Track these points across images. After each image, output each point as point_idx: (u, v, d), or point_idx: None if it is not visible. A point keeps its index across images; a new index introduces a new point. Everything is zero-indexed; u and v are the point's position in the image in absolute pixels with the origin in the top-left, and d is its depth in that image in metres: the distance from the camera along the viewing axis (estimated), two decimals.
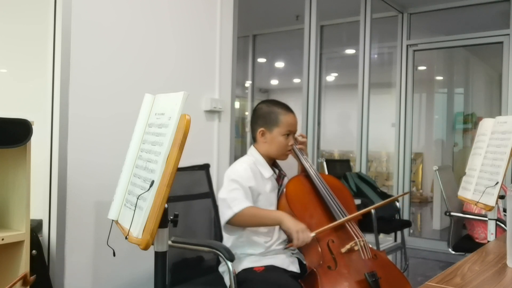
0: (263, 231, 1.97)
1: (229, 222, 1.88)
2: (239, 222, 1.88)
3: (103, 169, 2.11)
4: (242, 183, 1.92)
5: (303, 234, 1.81)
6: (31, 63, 2.07)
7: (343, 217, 2.01)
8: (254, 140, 2.10)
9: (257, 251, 1.95)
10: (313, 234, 1.85)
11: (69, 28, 1.98)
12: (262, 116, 2.05)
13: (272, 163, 2.10)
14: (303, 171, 2.17)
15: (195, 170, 2.33)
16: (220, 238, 2.13)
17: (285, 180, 2.12)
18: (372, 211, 3.47)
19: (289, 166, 2.23)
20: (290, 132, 2.04)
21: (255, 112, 2.09)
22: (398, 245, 4.61)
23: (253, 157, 2.05)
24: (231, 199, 1.89)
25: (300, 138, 2.16)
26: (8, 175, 1.64)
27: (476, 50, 6.40)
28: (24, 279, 0.92)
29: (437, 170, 3.20)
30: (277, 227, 1.98)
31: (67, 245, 1.98)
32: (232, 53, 2.90)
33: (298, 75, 4.59)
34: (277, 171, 2.09)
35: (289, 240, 1.93)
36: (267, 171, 2.03)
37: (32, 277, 0.95)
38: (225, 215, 1.88)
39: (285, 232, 1.90)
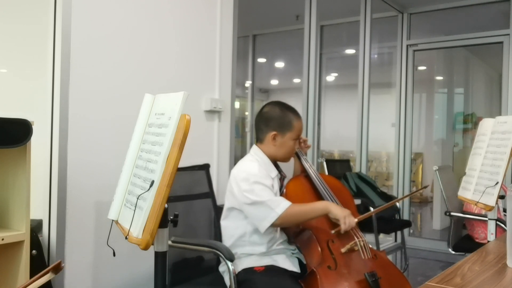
0: (265, 234, 1.96)
1: (273, 225, 1.86)
2: (283, 223, 1.88)
3: (103, 169, 2.11)
4: (263, 183, 1.90)
5: (349, 218, 1.86)
6: (31, 63, 2.07)
7: None
8: (258, 140, 2.07)
9: (258, 251, 1.94)
10: (356, 219, 1.91)
11: (69, 28, 1.98)
12: (275, 119, 2.02)
13: (274, 163, 2.09)
14: (303, 171, 2.17)
15: (195, 170, 2.33)
16: (220, 238, 2.13)
17: (285, 181, 2.12)
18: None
19: (289, 166, 2.23)
20: (298, 137, 2.06)
21: (266, 113, 2.05)
22: (398, 245, 4.60)
23: (258, 157, 2.03)
24: (269, 201, 1.86)
25: (305, 144, 2.19)
26: (8, 175, 1.64)
27: (476, 50, 6.40)
28: (57, 267, 0.93)
29: (437, 170, 3.20)
30: (278, 228, 1.98)
31: (67, 245, 1.98)
32: (232, 53, 2.90)
33: (298, 75, 4.60)
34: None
35: (333, 225, 1.95)
36: (273, 172, 2.03)
37: (63, 265, 0.97)
38: (268, 217, 1.85)
39: (330, 219, 1.93)
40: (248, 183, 1.89)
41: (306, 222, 1.96)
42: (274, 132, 2.01)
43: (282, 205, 1.85)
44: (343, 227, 1.86)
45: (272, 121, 2.03)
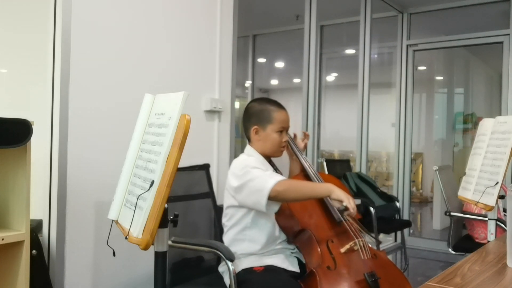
0: (264, 230, 1.95)
1: (271, 194, 1.78)
2: (280, 193, 1.78)
3: (103, 169, 2.11)
4: (260, 168, 1.90)
5: (352, 200, 1.81)
6: (31, 63, 2.07)
7: (342, 217, 2.01)
8: (248, 139, 2.09)
9: (256, 249, 1.94)
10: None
11: (69, 28, 1.98)
12: (254, 114, 2.03)
13: (268, 161, 2.09)
14: (302, 170, 2.17)
15: (195, 170, 2.33)
16: (220, 238, 2.13)
17: None
18: (372, 210, 3.48)
19: (286, 168, 2.23)
20: (283, 129, 2.03)
21: (247, 111, 2.07)
22: (398, 245, 4.61)
23: (252, 156, 2.04)
24: (264, 175, 1.82)
25: (302, 136, 2.20)
26: (8, 175, 1.64)
27: (476, 50, 6.40)
28: None
29: (437, 170, 3.20)
30: (277, 227, 1.98)
31: (67, 245, 1.98)
32: (232, 53, 2.90)
33: (298, 75, 4.59)
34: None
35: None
36: (269, 169, 2.03)
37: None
38: (267, 183, 1.77)
39: (332, 202, 1.90)
40: (244, 169, 1.88)
41: (306, 221, 1.95)
42: (255, 127, 2.01)
43: (278, 177, 1.82)
44: (351, 207, 1.80)
45: (253, 117, 2.03)
